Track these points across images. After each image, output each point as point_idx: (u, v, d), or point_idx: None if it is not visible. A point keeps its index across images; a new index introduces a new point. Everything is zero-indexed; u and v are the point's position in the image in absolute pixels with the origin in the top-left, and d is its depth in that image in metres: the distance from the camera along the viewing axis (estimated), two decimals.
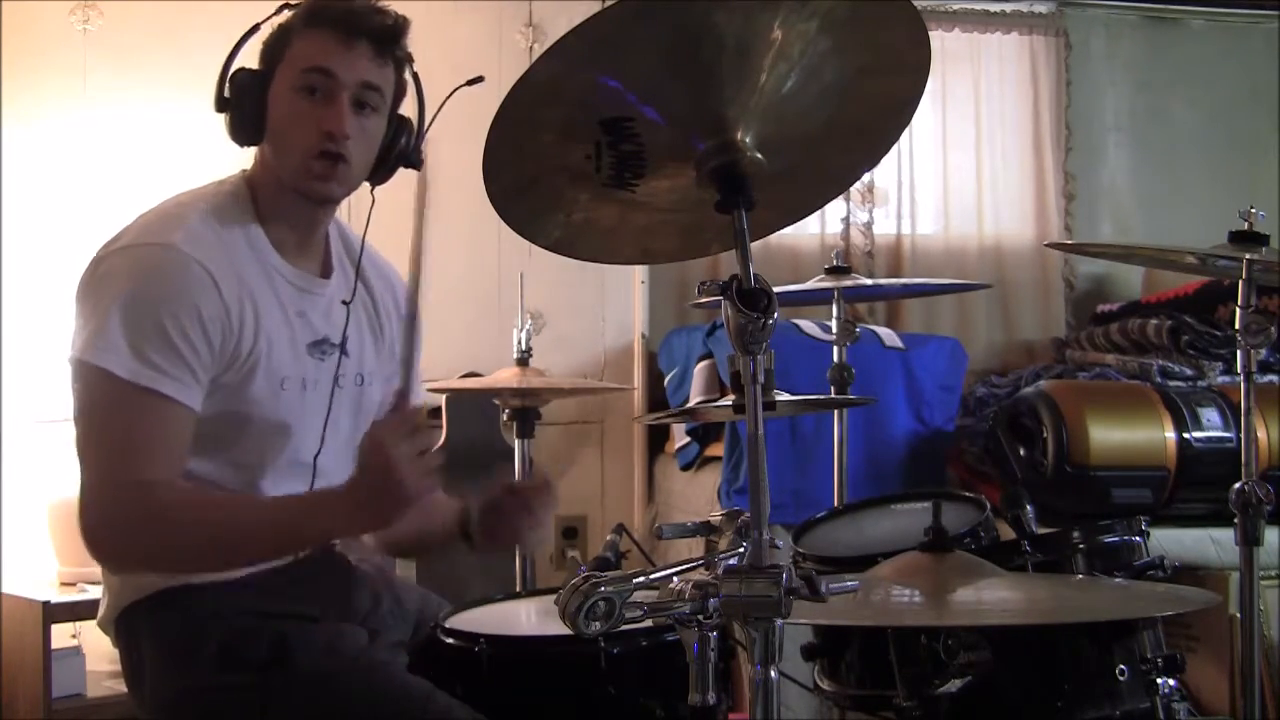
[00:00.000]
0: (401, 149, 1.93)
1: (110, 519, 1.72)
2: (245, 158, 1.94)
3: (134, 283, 1.75)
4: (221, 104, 1.87)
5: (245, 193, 1.89)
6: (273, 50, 1.86)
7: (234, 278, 1.80)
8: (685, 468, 3.91)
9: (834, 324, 2.91)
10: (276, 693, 1.75)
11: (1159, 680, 1.86)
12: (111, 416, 1.74)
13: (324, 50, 1.82)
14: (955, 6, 4.57)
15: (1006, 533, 2.20)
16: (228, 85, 1.86)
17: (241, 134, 1.87)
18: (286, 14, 1.87)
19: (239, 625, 1.80)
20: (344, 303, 1.95)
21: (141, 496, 1.71)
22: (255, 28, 1.88)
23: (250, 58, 1.88)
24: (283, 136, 1.85)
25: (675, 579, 1.32)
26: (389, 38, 1.85)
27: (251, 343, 1.81)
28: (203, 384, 1.77)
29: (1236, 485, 2.14)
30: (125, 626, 1.88)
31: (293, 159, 1.85)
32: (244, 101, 1.85)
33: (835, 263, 2.94)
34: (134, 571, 1.83)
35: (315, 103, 1.83)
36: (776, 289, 1.33)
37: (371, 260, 2.04)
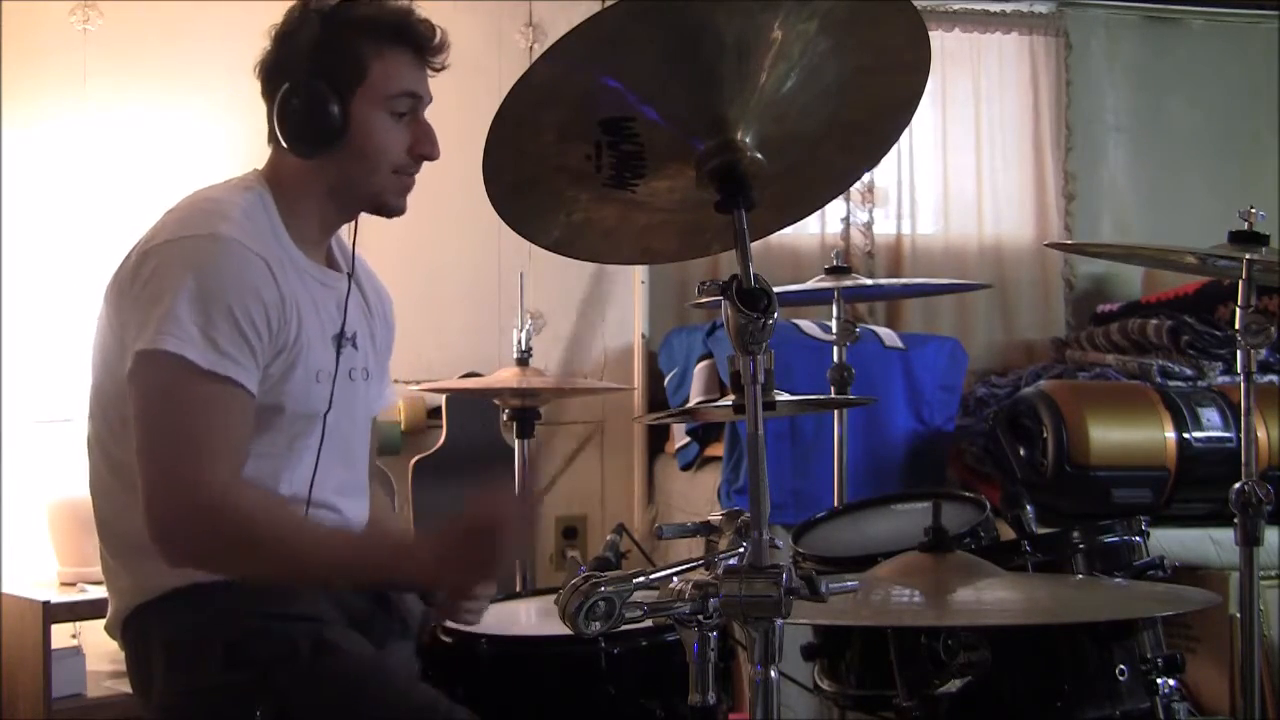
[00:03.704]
0: None
1: (188, 523, 1.71)
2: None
3: (195, 272, 1.75)
4: (293, 116, 1.84)
5: (267, 191, 1.90)
6: (345, 64, 1.84)
7: (281, 269, 1.83)
8: (685, 468, 3.91)
9: (834, 324, 2.91)
10: (285, 693, 1.75)
11: (1159, 680, 1.86)
12: (185, 407, 1.74)
13: (409, 74, 1.88)
14: (955, 6, 4.57)
15: (1006, 533, 2.20)
16: (298, 96, 1.84)
17: (313, 146, 1.86)
18: (331, 19, 1.85)
19: (248, 626, 1.80)
20: (348, 274, 1.98)
21: (221, 502, 1.71)
22: (293, 34, 1.86)
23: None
24: (370, 154, 1.88)
25: (675, 579, 1.32)
26: (444, 53, 1.91)
27: (296, 334, 1.83)
28: (260, 370, 1.79)
29: (1236, 485, 2.14)
30: (135, 628, 1.87)
31: (379, 176, 1.89)
32: (322, 116, 1.84)
33: (835, 263, 2.94)
34: (200, 570, 1.80)
35: (404, 125, 1.88)
36: (776, 289, 1.33)
37: (362, 263, 2.06)
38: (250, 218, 1.84)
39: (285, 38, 1.87)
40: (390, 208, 1.93)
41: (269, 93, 1.88)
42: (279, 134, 1.87)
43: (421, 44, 1.88)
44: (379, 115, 1.87)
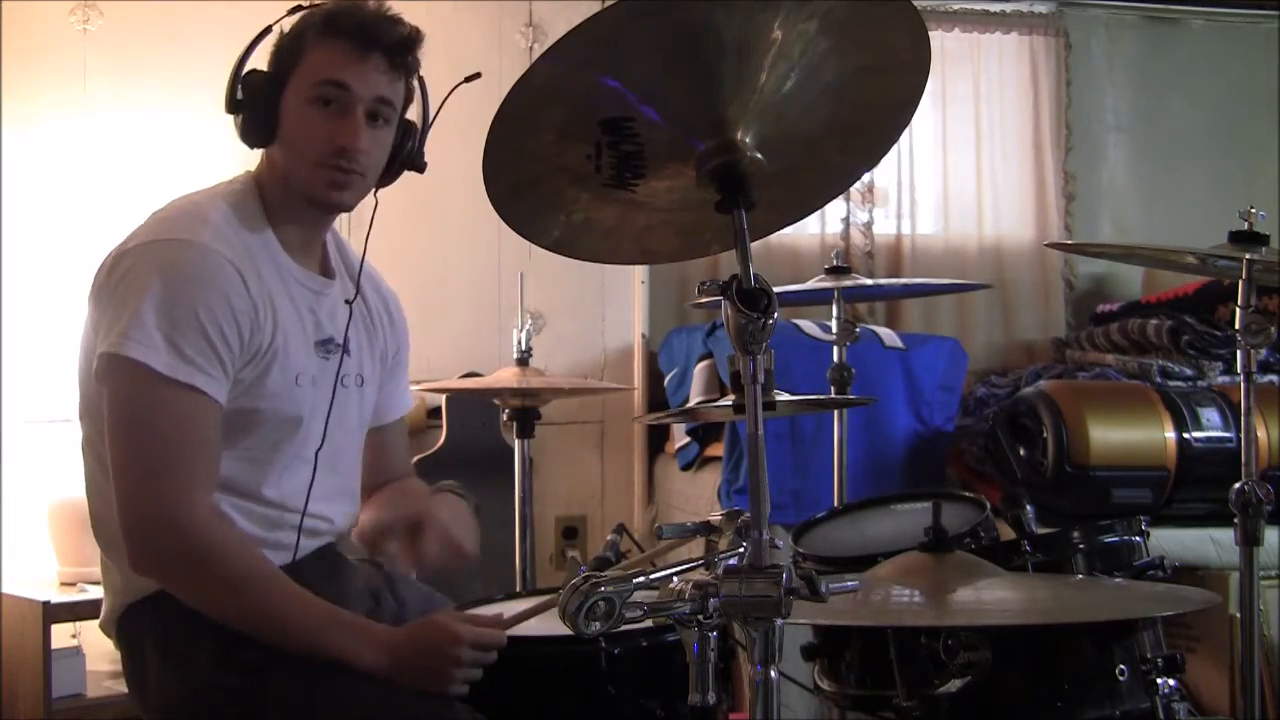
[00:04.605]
0: (408, 153, 1.96)
1: (158, 555, 1.74)
2: (248, 158, 1.94)
3: (165, 277, 1.74)
4: (233, 105, 1.87)
5: (255, 193, 1.90)
6: (286, 55, 1.85)
7: (256, 275, 1.82)
8: (685, 468, 3.91)
9: (834, 324, 2.91)
10: (280, 693, 1.75)
11: (1159, 680, 1.86)
12: (149, 415, 1.74)
13: (339, 63, 1.82)
14: (955, 6, 4.57)
15: (1006, 533, 2.20)
16: (239, 87, 1.86)
17: (252, 136, 1.88)
18: (297, 17, 1.86)
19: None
20: (347, 302, 1.97)
21: (187, 522, 1.72)
22: (267, 29, 1.87)
23: (259, 59, 1.88)
24: (296, 145, 1.86)
25: (675, 579, 1.32)
26: (403, 50, 1.86)
27: (270, 338, 1.82)
28: (230, 379, 1.78)
29: (1236, 485, 2.14)
30: (128, 626, 1.87)
31: (305, 168, 1.85)
32: (256, 104, 1.85)
33: (835, 263, 2.95)
34: (161, 584, 1.80)
35: (329, 114, 1.83)
36: (776, 289, 1.33)
37: (366, 267, 2.05)
38: (229, 223, 1.83)
39: (259, 36, 1.88)
40: (322, 201, 1.88)
41: None
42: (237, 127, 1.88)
43: (359, 34, 1.82)
44: (301, 104, 1.84)
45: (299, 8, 1.87)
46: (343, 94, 1.83)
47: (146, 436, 1.74)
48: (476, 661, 1.73)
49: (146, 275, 1.75)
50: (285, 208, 1.90)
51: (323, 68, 1.83)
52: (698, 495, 3.78)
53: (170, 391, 1.72)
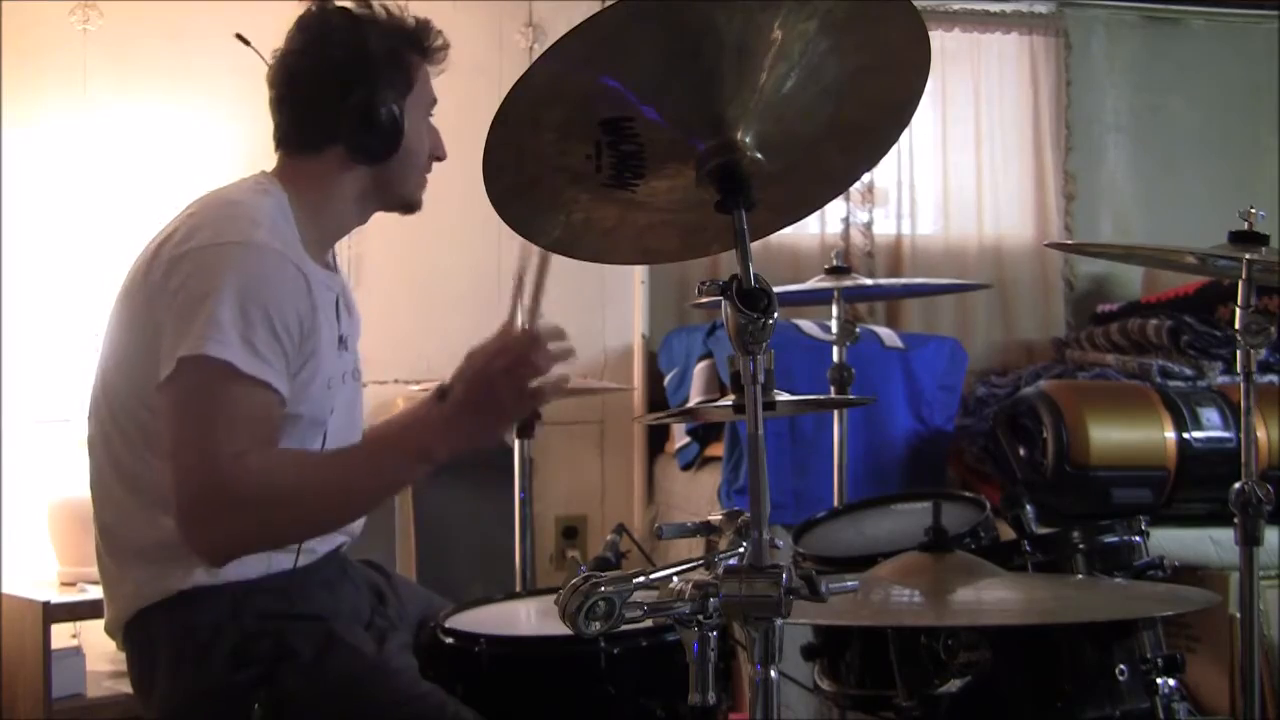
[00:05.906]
0: None
1: (213, 498, 1.70)
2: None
3: (237, 279, 1.75)
4: (375, 124, 1.91)
5: (282, 195, 1.90)
6: (399, 76, 1.93)
7: (310, 277, 1.84)
8: (685, 468, 3.91)
9: (834, 324, 2.91)
10: (289, 694, 1.76)
11: (1159, 680, 1.86)
12: (221, 405, 1.73)
13: (431, 83, 2.00)
14: (955, 6, 4.57)
15: (1006, 533, 2.20)
16: (384, 104, 1.90)
17: (377, 152, 1.93)
18: (372, 31, 1.92)
19: (252, 628, 1.79)
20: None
21: (242, 467, 1.70)
22: (361, 49, 1.91)
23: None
24: (413, 157, 1.97)
25: (675, 579, 1.32)
26: (446, 61, 2.02)
27: (316, 342, 1.84)
28: (290, 379, 1.80)
29: (1236, 485, 2.14)
30: (137, 630, 1.86)
31: (416, 176, 2.00)
32: (394, 123, 1.92)
33: (835, 263, 2.95)
34: (240, 555, 1.78)
35: (429, 127, 2.01)
36: (776, 289, 1.33)
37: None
38: (280, 223, 1.85)
39: (331, 46, 1.90)
40: (418, 204, 2.02)
41: (305, 99, 1.90)
42: (347, 141, 1.90)
43: (440, 53, 1.98)
44: (421, 121, 1.97)
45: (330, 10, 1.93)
46: (433, 108, 2.01)
47: (219, 421, 1.73)
48: (527, 376, 1.80)
49: (214, 278, 1.75)
50: (325, 210, 1.93)
51: (429, 87, 1.99)
52: (698, 495, 3.78)
53: (244, 387, 1.73)
